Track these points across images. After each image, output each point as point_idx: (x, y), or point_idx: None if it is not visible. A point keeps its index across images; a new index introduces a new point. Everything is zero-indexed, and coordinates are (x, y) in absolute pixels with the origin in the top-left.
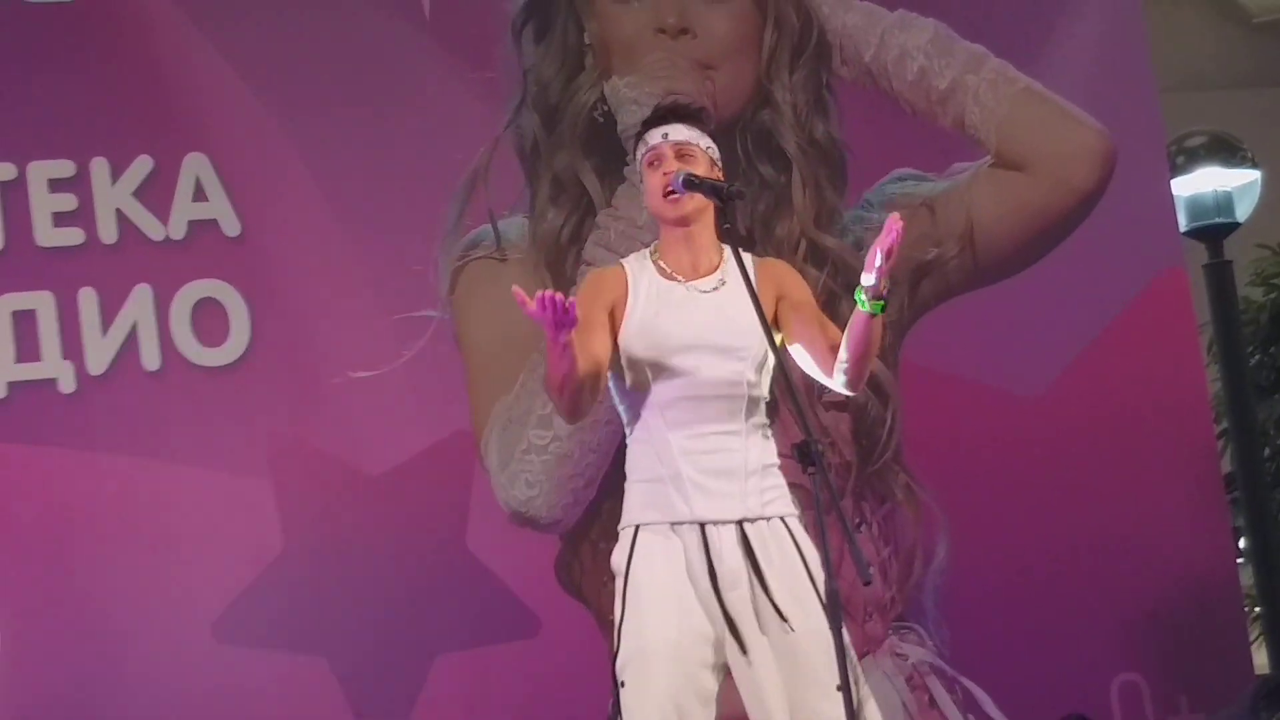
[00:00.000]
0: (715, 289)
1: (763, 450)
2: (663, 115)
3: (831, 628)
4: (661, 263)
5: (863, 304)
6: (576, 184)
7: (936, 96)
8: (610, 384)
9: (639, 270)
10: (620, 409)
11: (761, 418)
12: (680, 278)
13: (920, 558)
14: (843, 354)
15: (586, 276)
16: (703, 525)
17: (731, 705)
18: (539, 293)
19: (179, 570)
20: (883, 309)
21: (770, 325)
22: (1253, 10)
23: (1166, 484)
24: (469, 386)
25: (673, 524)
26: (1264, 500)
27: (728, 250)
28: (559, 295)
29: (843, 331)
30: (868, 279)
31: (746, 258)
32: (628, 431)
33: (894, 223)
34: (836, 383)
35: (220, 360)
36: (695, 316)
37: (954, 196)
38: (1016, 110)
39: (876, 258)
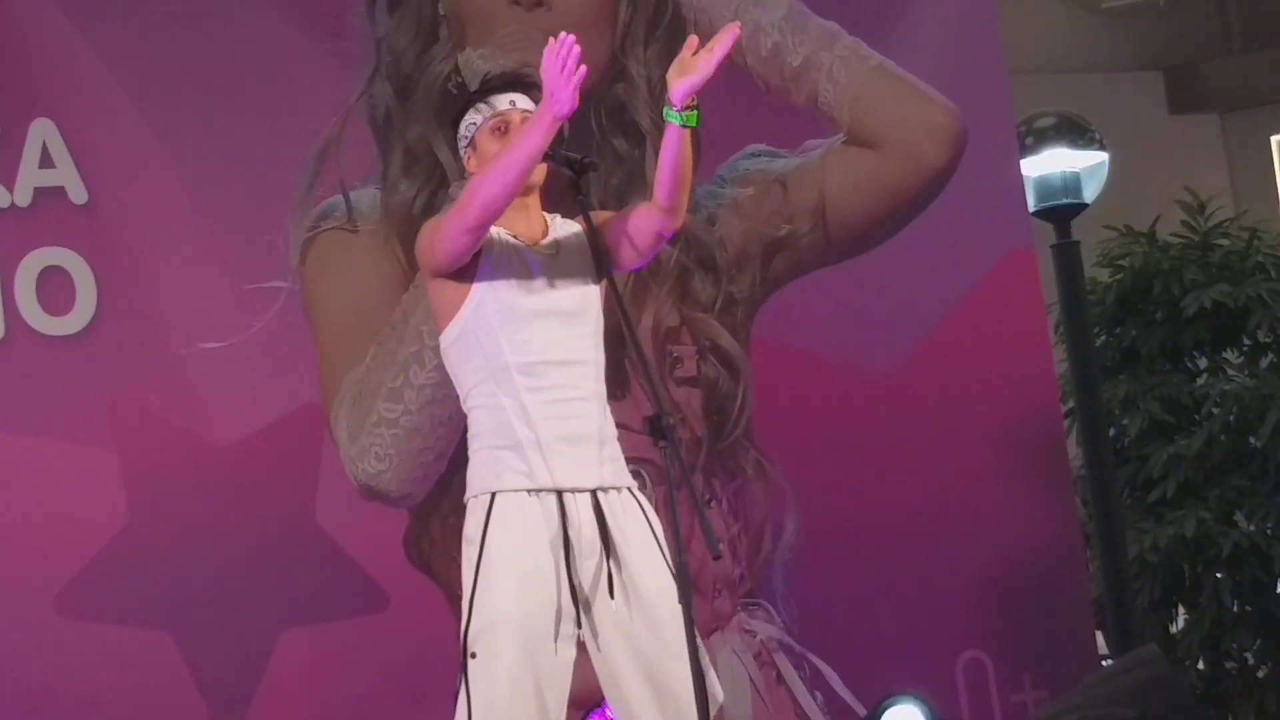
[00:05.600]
0: (553, 255)
1: (609, 419)
2: (508, 83)
3: (681, 602)
4: (504, 228)
5: (675, 118)
6: (430, 155)
7: (790, 73)
8: (448, 351)
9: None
10: (460, 374)
11: (604, 387)
12: (522, 240)
13: (770, 534)
14: (657, 188)
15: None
16: (560, 493)
17: (577, 679)
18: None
19: (22, 541)
20: (693, 120)
21: (613, 281)
22: None
23: (1014, 462)
24: (319, 358)
25: (530, 490)
26: (1108, 480)
27: (549, 216)
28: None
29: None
30: (679, 88)
31: (569, 223)
32: (468, 397)
33: (731, 30)
34: (656, 223)
35: (66, 329)
36: (541, 281)
37: (807, 173)
38: (869, 88)
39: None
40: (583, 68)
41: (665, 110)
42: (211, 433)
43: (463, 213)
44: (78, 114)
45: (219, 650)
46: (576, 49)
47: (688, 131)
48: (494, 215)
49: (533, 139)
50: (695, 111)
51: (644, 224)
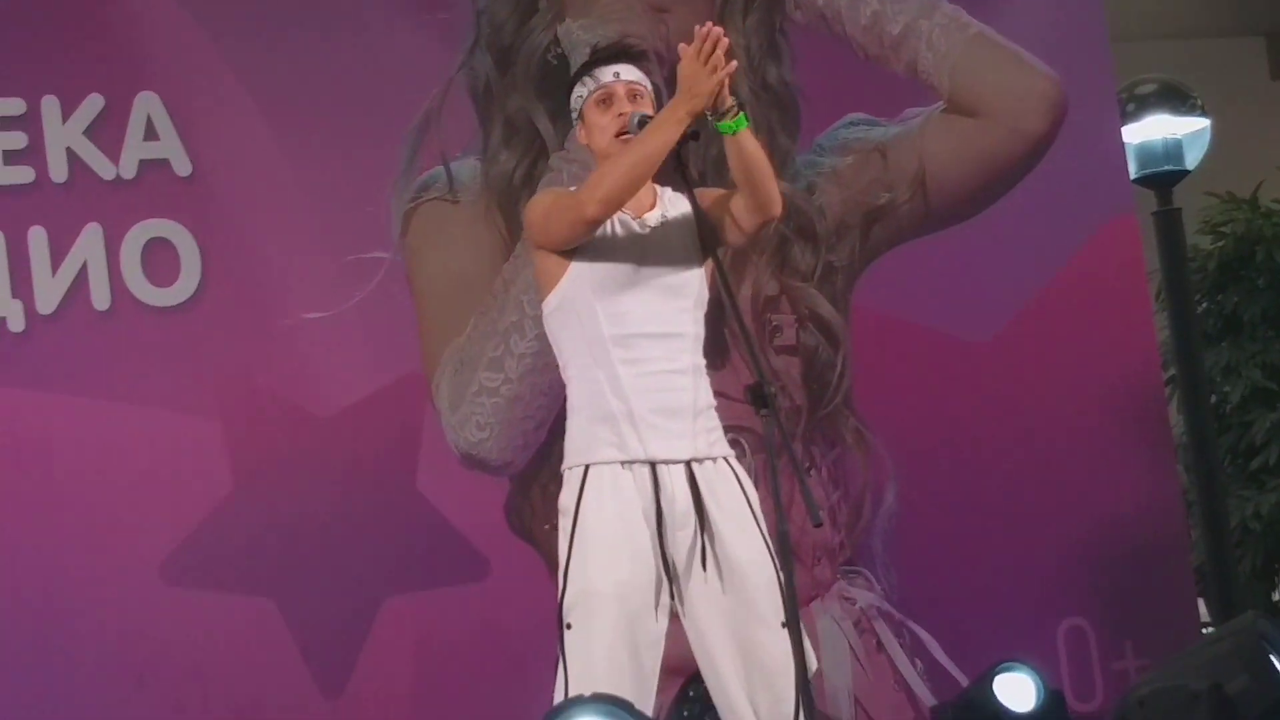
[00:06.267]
0: (659, 227)
1: (706, 390)
2: (613, 54)
3: (782, 569)
4: None
5: (722, 128)
6: (529, 126)
7: (889, 41)
8: (549, 320)
9: None
10: (560, 344)
11: (702, 357)
12: (628, 212)
13: (869, 502)
14: (741, 188)
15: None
16: (653, 464)
17: (678, 647)
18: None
19: (127, 511)
20: (741, 124)
21: (718, 259)
22: None
23: (1115, 430)
24: (420, 328)
25: (623, 462)
26: (1209, 447)
27: (659, 189)
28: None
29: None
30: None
31: (679, 197)
32: (566, 367)
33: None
34: (755, 216)
35: (170, 300)
36: (643, 253)
37: (906, 142)
38: (969, 56)
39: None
40: (732, 63)
41: (712, 123)
42: (314, 403)
43: (584, 205)
44: (182, 87)
45: (322, 618)
46: (725, 42)
47: (743, 132)
48: (616, 209)
49: (663, 135)
50: (740, 115)
51: (747, 210)
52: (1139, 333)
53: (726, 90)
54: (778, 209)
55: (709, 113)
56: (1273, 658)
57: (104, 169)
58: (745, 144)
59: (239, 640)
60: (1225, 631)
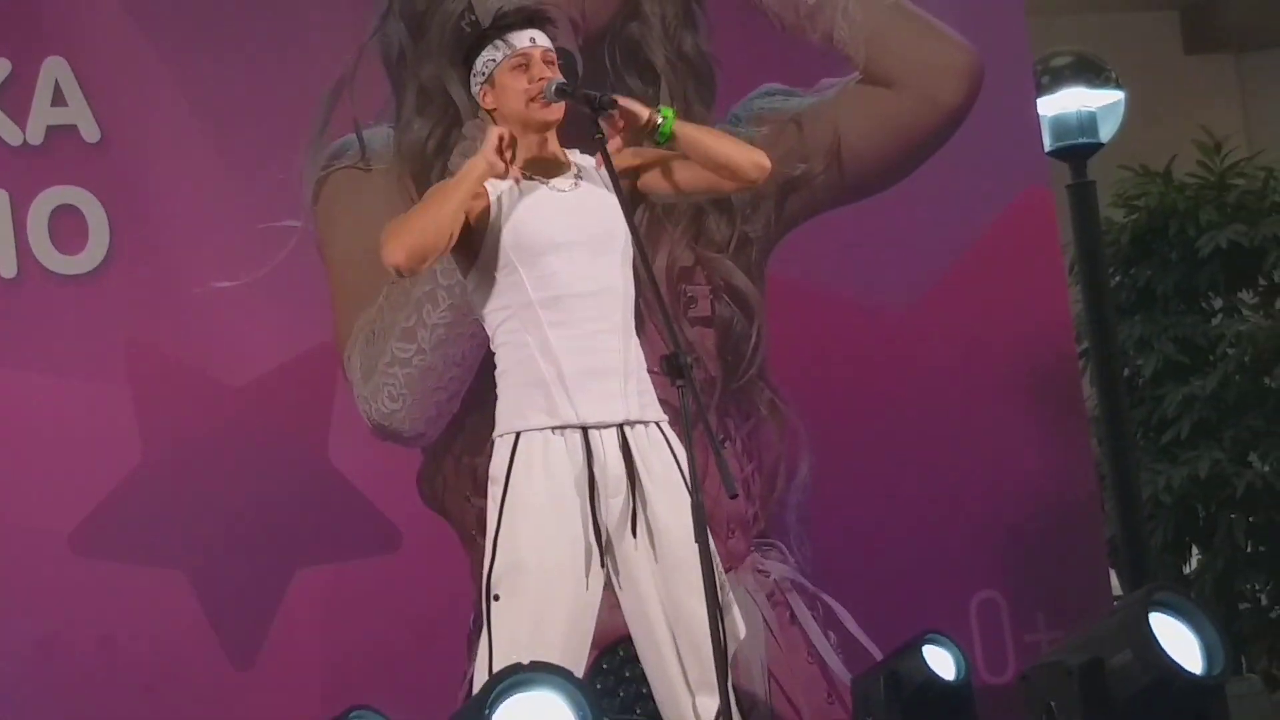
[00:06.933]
0: (573, 186)
1: (638, 350)
2: (527, 19)
3: (698, 540)
4: (518, 170)
5: (661, 139)
6: (443, 94)
7: (805, 11)
8: (473, 295)
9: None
10: (484, 314)
11: (632, 316)
12: (538, 178)
13: (783, 474)
14: (710, 170)
15: (438, 184)
16: (585, 430)
17: (602, 619)
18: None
19: (35, 480)
20: (669, 122)
21: (633, 218)
22: None
23: (1028, 403)
24: (333, 298)
25: (555, 428)
26: (1122, 420)
27: (569, 153)
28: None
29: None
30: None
31: (589, 156)
32: (494, 335)
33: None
34: (740, 183)
35: (78, 268)
36: (561, 214)
37: (821, 112)
38: (885, 26)
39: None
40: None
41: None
42: (225, 372)
43: (390, 254)
44: (90, 52)
45: (232, 589)
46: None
47: (685, 130)
48: (423, 262)
49: (462, 190)
50: (668, 119)
51: (697, 177)
52: (1053, 305)
53: (642, 112)
54: (758, 170)
55: (644, 134)
56: (1157, 634)
57: (11, 135)
58: (685, 135)
59: (148, 611)
60: (1120, 606)
